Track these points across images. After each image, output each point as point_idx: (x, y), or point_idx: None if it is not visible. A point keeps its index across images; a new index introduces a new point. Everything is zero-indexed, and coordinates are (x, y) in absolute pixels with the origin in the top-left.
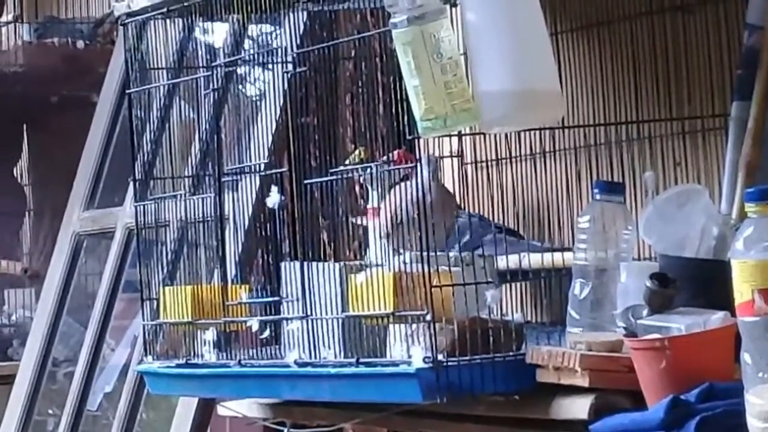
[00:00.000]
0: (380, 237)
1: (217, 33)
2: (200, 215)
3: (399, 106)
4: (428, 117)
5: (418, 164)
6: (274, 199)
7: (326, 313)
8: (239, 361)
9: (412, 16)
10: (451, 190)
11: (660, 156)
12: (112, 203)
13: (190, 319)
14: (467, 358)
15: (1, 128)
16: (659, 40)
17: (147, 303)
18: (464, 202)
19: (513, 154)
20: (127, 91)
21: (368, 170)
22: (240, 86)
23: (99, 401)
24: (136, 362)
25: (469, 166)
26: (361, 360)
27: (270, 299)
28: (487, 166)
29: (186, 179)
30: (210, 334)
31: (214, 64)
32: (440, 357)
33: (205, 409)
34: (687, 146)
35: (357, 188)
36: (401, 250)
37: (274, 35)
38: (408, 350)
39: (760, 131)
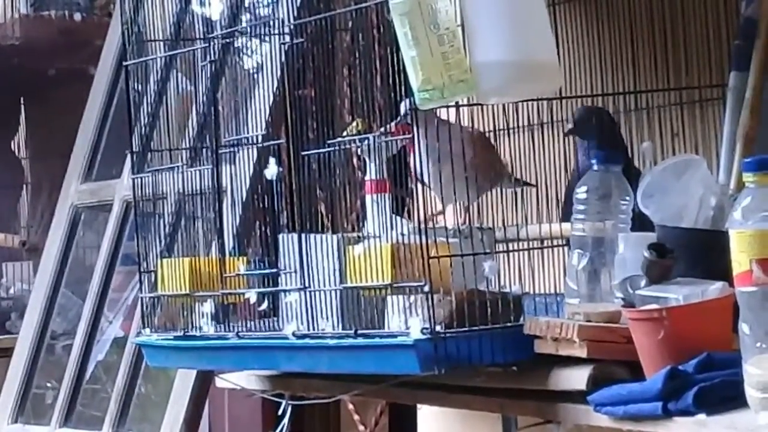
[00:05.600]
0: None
1: (214, 5)
2: (198, 187)
3: (396, 77)
4: (425, 88)
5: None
6: (272, 170)
7: (324, 285)
8: (237, 333)
9: None
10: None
11: (658, 126)
12: (109, 176)
13: (187, 292)
14: (465, 329)
15: None
16: (657, 11)
17: (145, 275)
18: None
19: (510, 125)
20: (124, 64)
21: (366, 142)
22: (237, 58)
23: (91, 370)
24: (133, 334)
25: None
26: (360, 331)
27: (268, 271)
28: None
29: (183, 151)
30: (208, 307)
31: (211, 35)
32: (438, 328)
33: (203, 382)
34: (685, 116)
35: (355, 160)
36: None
37: (271, 7)
38: (406, 322)
39: (757, 101)
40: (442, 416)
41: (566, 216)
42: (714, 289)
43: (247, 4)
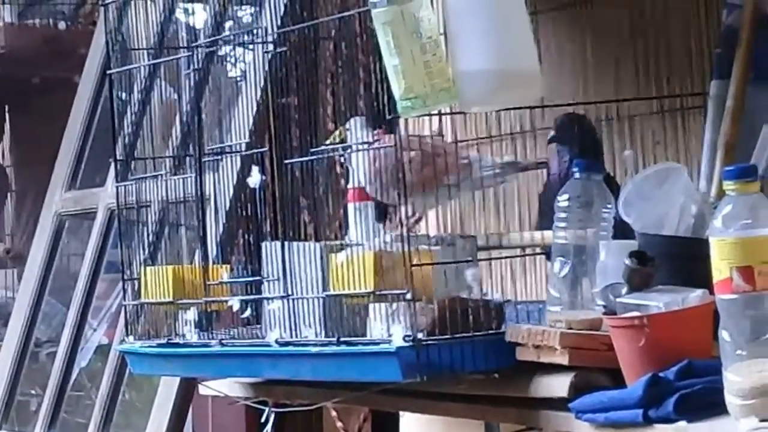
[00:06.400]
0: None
1: (198, 13)
2: (181, 195)
3: (379, 85)
4: (408, 96)
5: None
6: (255, 179)
7: (307, 293)
8: (220, 340)
9: None
10: None
11: (639, 135)
12: (93, 184)
13: (171, 299)
14: (447, 336)
15: None
16: (638, 20)
17: (128, 283)
18: None
19: (493, 134)
20: (108, 72)
21: (348, 150)
22: (221, 66)
23: (75, 378)
24: (117, 342)
25: None
26: (342, 339)
27: (251, 279)
28: (467, 146)
29: (167, 159)
30: (191, 314)
31: (194, 44)
32: (420, 336)
33: (186, 389)
34: (666, 125)
35: (338, 168)
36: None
37: (254, 15)
38: (388, 329)
39: (739, 110)
40: (424, 423)
41: (540, 223)
42: (694, 296)
43: (230, 13)
